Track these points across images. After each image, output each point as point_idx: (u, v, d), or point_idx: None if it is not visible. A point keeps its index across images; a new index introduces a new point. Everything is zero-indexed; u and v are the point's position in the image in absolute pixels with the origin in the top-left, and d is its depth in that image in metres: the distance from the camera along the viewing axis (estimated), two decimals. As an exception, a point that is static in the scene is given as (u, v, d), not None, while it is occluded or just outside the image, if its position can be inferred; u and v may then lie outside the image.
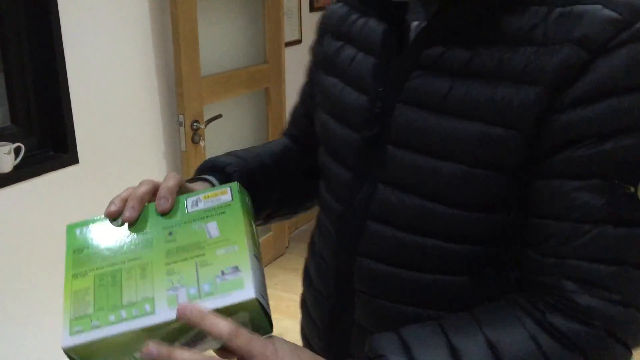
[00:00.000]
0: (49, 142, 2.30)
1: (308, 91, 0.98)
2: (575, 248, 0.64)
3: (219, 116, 2.86)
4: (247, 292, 0.61)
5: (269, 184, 0.93)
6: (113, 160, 2.50)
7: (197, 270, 0.64)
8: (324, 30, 0.90)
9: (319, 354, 0.71)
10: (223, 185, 0.73)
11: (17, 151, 2.11)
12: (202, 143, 2.76)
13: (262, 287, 0.65)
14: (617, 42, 0.61)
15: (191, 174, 2.73)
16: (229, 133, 3.12)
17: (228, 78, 2.93)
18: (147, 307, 0.63)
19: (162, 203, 0.70)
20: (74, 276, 0.67)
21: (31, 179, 2.17)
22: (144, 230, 0.69)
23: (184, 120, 2.67)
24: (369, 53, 0.78)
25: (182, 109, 2.65)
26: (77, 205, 2.37)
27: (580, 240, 0.64)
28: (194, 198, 0.71)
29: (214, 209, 0.69)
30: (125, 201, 0.71)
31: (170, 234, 0.68)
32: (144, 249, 0.67)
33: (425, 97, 0.70)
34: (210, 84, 2.79)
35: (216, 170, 0.89)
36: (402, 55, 0.74)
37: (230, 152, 0.95)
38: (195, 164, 2.76)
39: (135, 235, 0.69)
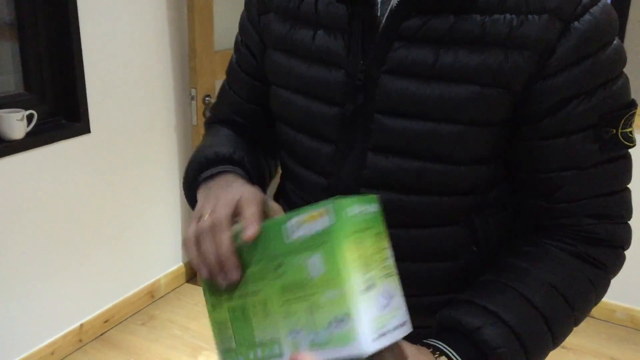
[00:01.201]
0: (62, 111, 2.30)
1: (236, 69, 0.94)
2: (585, 189, 0.76)
3: (231, 92, 2.85)
4: (359, 346, 0.55)
5: (258, 167, 0.92)
6: (124, 131, 2.51)
7: (311, 314, 0.58)
8: (267, 7, 0.86)
9: None
10: (321, 203, 0.59)
11: (29, 118, 2.12)
12: (213, 118, 2.76)
13: (383, 322, 0.57)
14: (582, 9, 0.70)
15: (201, 148, 2.74)
16: (241, 109, 3.12)
17: (241, 54, 2.91)
18: (276, 349, 0.61)
19: (251, 230, 0.63)
20: (213, 306, 0.68)
21: (42, 147, 2.18)
22: (254, 259, 0.63)
23: (196, 94, 2.66)
24: (333, 29, 0.79)
25: (195, 83, 2.65)
26: (87, 174, 2.38)
27: (587, 182, 0.75)
28: (292, 222, 0.60)
29: (314, 237, 0.58)
30: (209, 231, 0.65)
31: (279, 266, 0.61)
32: (259, 281, 0.63)
33: (412, 67, 0.74)
34: (223, 58, 2.78)
35: (225, 161, 0.84)
36: (379, 29, 0.76)
37: (202, 151, 0.88)
38: (206, 139, 2.77)
39: (249, 264, 0.63)
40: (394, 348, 0.61)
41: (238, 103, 0.96)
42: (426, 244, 0.82)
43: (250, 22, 0.91)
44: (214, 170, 0.81)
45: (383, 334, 0.56)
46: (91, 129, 2.34)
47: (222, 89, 1.00)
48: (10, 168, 2.09)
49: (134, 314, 2.73)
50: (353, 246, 0.57)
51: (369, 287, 0.57)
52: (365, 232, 0.58)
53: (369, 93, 0.77)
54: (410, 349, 0.65)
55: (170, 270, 2.91)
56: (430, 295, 0.84)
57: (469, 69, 0.72)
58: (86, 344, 2.52)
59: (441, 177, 0.77)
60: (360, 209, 0.59)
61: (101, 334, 2.58)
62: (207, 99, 2.70)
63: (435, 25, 0.72)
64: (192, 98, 2.68)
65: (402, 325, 0.59)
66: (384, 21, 0.76)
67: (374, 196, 0.62)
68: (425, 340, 0.72)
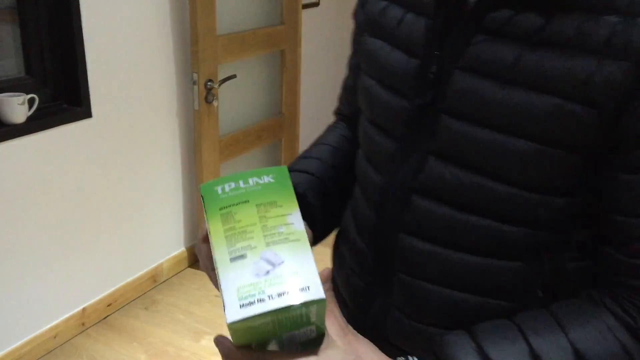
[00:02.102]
0: (63, 95, 2.30)
1: (355, 62, 0.90)
2: None
3: (233, 76, 2.84)
4: (227, 314, 0.55)
5: (341, 190, 0.88)
6: (126, 116, 2.50)
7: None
8: None
9: None
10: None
11: (30, 102, 2.12)
12: (215, 103, 2.75)
13: (254, 289, 0.56)
14: None
15: (203, 133, 2.74)
16: (243, 94, 3.10)
17: (244, 38, 2.90)
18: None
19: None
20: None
21: (44, 131, 2.18)
22: None
23: (198, 78, 2.65)
24: (420, 13, 0.71)
25: (197, 67, 2.64)
26: (89, 159, 2.38)
27: None
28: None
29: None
30: None
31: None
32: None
33: (489, 65, 0.64)
34: (225, 43, 2.77)
35: None
36: (464, 17, 0.67)
37: (295, 168, 0.87)
38: (208, 124, 2.76)
39: None
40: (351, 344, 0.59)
41: (353, 92, 0.91)
42: (478, 275, 0.70)
43: (360, 6, 0.86)
44: None
45: (251, 303, 0.55)
46: (93, 114, 2.34)
47: (344, 80, 0.97)
48: (12, 152, 2.09)
49: (137, 298, 2.75)
50: (219, 221, 0.60)
51: (235, 258, 0.57)
52: (239, 205, 0.61)
53: (440, 89, 0.68)
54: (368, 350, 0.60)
55: (172, 254, 2.92)
56: None
57: (552, 76, 0.60)
58: (89, 327, 2.53)
59: (504, 201, 0.66)
60: (236, 184, 0.63)
61: (104, 318, 2.59)
62: (209, 83, 2.69)
63: (525, 21, 0.62)
64: (194, 82, 2.67)
65: (305, 289, 0.55)
66: (471, 8, 0.67)
67: (276, 168, 0.63)
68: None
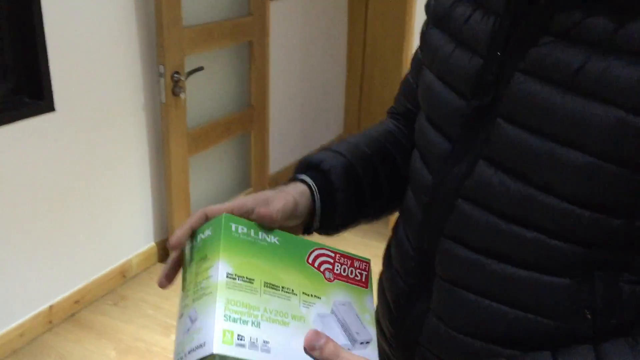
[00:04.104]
0: (25, 89, 2.24)
1: (419, 56, 0.87)
2: None
3: (200, 68, 2.81)
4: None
5: (373, 178, 0.85)
6: (91, 109, 2.45)
7: None
8: None
9: (389, 340, 0.66)
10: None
11: (-10, 96, 2.07)
12: (182, 95, 2.72)
13: (183, 346, 0.58)
14: None
15: (171, 126, 2.70)
16: (211, 86, 3.07)
17: (211, 29, 2.86)
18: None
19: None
20: None
21: (5, 126, 2.13)
22: None
23: (165, 71, 2.61)
24: (488, 12, 0.68)
25: (163, 59, 2.60)
26: (53, 154, 2.33)
27: None
28: None
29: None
30: None
31: None
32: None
33: (552, 69, 0.60)
34: (192, 34, 2.73)
35: (311, 168, 0.81)
36: (531, 18, 0.64)
37: (326, 147, 0.86)
38: (176, 117, 2.73)
39: None
40: None
41: (413, 90, 0.88)
42: (521, 289, 0.66)
43: (427, 1, 0.83)
44: (291, 178, 0.81)
45: (181, 358, 0.57)
46: (56, 107, 2.29)
47: (404, 77, 0.94)
48: (-28, 147, 2.03)
49: (106, 294, 2.71)
50: (183, 277, 0.65)
51: (180, 316, 0.61)
52: (193, 262, 0.63)
53: (499, 92, 0.65)
54: None
55: (141, 250, 2.89)
56: (512, 349, 0.68)
57: (619, 86, 0.56)
58: (56, 325, 2.49)
59: (553, 215, 0.62)
60: (197, 241, 0.64)
61: (72, 315, 2.55)
62: (175, 75, 2.65)
63: (595, 25, 0.57)
64: (160, 75, 2.63)
65: (201, 346, 0.55)
66: (539, 7, 0.63)
67: (216, 218, 0.63)
68: None
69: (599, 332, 0.63)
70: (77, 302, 2.56)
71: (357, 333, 0.64)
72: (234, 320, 0.56)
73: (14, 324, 2.31)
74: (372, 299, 0.71)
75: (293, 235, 0.68)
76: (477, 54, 0.68)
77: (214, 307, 0.56)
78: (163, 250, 2.99)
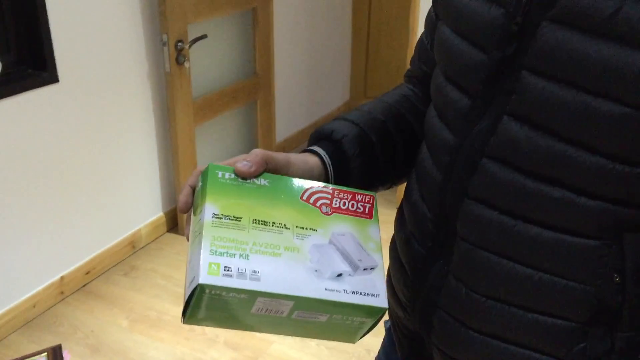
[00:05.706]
0: (28, 60, 2.22)
1: (433, 14, 0.84)
2: None
3: (204, 36, 2.77)
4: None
5: (387, 144, 0.83)
6: (95, 80, 2.43)
7: None
8: None
9: (404, 305, 0.65)
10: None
11: (-7, 68, 2.05)
12: (186, 64, 2.69)
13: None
14: None
15: (176, 95, 2.68)
16: (215, 55, 3.04)
17: (213, -4, 2.82)
18: None
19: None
20: None
21: (9, 98, 2.11)
22: None
23: (168, 39, 2.58)
24: None
25: (166, 27, 2.56)
26: (58, 125, 2.32)
27: None
28: None
29: None
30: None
31: None
32: None
33: (584, 16, 0.56)
34: (194, 2, 2.69)
35: (324, 138, 0.80)
36: None
37: (338, 116, 0.84)
38: (181, 86, 2.70)
39: None
40: None
41: (427, 51, 0.85)
42: (547, 251, 0.64)
43: None
44: (305, 148, 0.81)
45: (185, 299, 0.61)
46: (59, 78, 2.27)
47: (419, 38, 0.90)
48: (-23, 121, 2.02)
49: (116, 264, 2.73)
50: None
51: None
52: (193, 216, 0.67)
53: (523, 42, 0.61)
54: None
55: (150, 220, 2.89)
56: (535, 313, 0.67)
57: None
58: (68, 295, 2.51)
59: (584, 171, 0.59)
60: (195, 196, 0.68)
61: (83, 286, 2.58)
62: (179, 44, 2.62)
63: None
64: (164, 44, 2.60)
65: (192, 281, 0.60)
66: None
67: (205, 168, 0.67)
68: None
69: (628, 297, 0.62)
70: (87, 273, 2.58)
71: (360, 260, 0.65)
72: (220, 254, 0.59)
73: (26, 296, 2.33)
74: (378, 229, 0.70)
75: (287, 177, 0.69)
76: (496, 3, 0.64)
77: (201, 244, 0.60)
78: (172, 220, 3.00)
